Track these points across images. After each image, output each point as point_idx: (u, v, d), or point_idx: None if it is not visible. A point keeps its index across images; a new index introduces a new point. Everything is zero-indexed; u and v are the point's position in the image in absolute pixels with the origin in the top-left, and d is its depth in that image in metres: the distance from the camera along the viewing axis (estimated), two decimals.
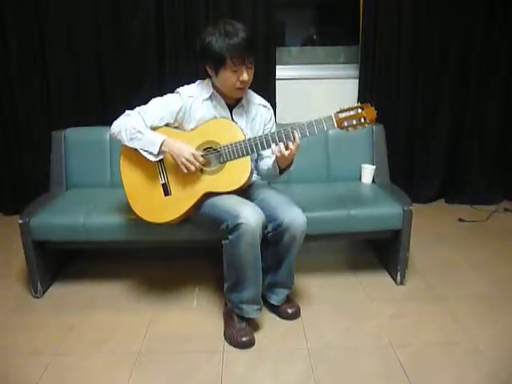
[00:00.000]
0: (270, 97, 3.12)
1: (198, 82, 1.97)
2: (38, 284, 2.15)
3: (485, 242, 2.73)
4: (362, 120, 1.75)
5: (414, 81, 3.17)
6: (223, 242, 1.76)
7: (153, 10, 2.94)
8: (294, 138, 1.74)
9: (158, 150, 1.79)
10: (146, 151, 1.81)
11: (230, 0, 2.97)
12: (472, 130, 3.28)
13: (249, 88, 1.96)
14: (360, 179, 2.53)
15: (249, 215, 1.68)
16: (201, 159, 1.80)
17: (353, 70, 3.28)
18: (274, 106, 2.94)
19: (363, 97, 3.11)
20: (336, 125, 1.75)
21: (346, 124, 1.75)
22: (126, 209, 2.06)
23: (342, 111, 1.76)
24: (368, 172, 2.50)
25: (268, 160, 1.97)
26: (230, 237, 1.71)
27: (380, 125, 2.57)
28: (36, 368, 1.69)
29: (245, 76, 1.81)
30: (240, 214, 1.67)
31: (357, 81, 3.18)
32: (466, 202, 3.33)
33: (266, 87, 3.06)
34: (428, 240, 2.73)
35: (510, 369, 1.67)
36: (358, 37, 3.15)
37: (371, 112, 1.75)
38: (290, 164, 1.87)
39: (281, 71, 3.19)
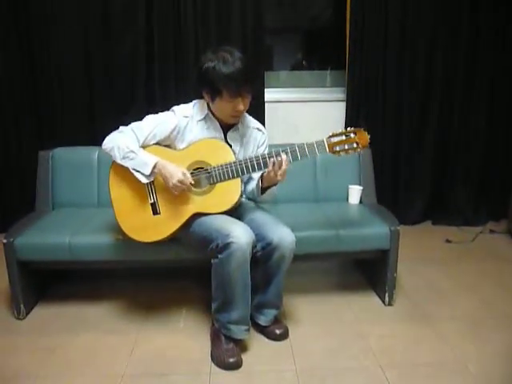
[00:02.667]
0: (258, 119, 3.14)
1: (195, 101, 1.96)
2: (21, 305, 2.10)
3: (471, 262, 2.75)
4: (355, 145, 1.74)
5: (399, 104, 3.23)
6: (212, 261, 1.75)
7: (143, 33, 2.98)
8: (281, 163, 1.73)
9: (150, 171, 1.78)
10: (137, 171, 1.80)
11: (219, 24, 3.02)
12: (457, 152, 3.33)
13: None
14: (347, 200, 2.55)
15: (239, 234, 1.67)
16: (188, 182, 1.77)
17: (340, 94, 3.34)
18: None
19: (356, 123, 3.15)
20: (328, 149, 1.75)
21: (337, 149, 1.75)
22: (113, 229, 2.05)
23: (334, 135, 1.75)
24: (355, 193, 2.52)
25: (254, 181, 1.98)
26: (220, 256, 1.70)
27: None
28: None
29: (240, 107, 1.82)
30: (231, 234, 1.67)
31: (344, 103, 3.24)
32: (453, 224, 3.37)
33: (254, 110, 3.08)
34: (415, 261, 2.74)
35: None
36: (345, 61, 3.22)
37: (364, 137, 1.75)
38: (274, 185, 1.88)
39: (269, 94, 3.24)
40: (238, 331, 1.81)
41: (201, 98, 1.94)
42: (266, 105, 3.18)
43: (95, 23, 2.96)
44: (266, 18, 3.10)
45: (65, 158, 2.53)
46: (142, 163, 1.79)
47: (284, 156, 1.74)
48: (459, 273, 2.61)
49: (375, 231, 2.17)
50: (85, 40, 2.99)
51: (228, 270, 1.69)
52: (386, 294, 2.22)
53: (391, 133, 3.27)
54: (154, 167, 1.78)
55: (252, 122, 2.04)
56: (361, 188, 2.52)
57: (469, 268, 2.67)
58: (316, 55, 3.78)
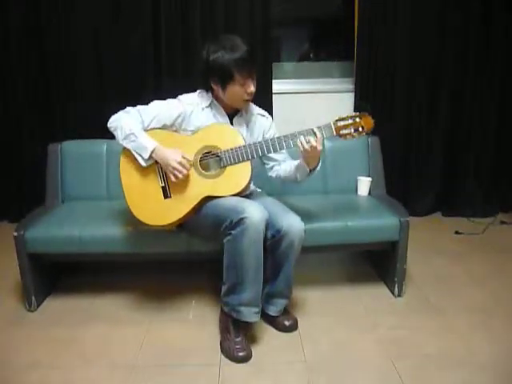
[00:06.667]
0: (266, 110, 3.12)
1: (199, 91, 2.00)
2: (33, 297, 2.12)
3: (481, 254, 2.73)
4: (360, 129, 1.78)
5: (409, 94, 3.20)
6: (225, 239, 1.75)
7: (150, 26, 2.99)
8: (316, 135, 1.76)
9: (148, 155, 1.82)
10: (137, 154, 1.84)
11: (227, 16, 3.01)
12: (468, 142, 3.30)
13: None
14: (356, 191, 2.53)
15: (253, 211, 1.69)
16: (188, 167, 1.81)
17: (348, 84, 3.31)
18: None
19: (360, 106, 3.12)
20: (335, 132, 1.78)
21: (344, 132, 1.79)
22: (123, 221, 2.06)
23: (340, 119, 1.79)
24: (364, 184, 2.51)
25: (285, 165, 2.02)
26: (233, 232, 1.70)
27: (376, 137, 2.59)
28: (30, 383, 1.66)
29: (252, 88, 1.87)
30: (244, 210, 1.68)
31: (353, 94, 3.21)
32: (463, 215, 3.33)
33: (262, 101, 3.08)
34: (425, 252, 2.73)
35: (510, 381, 1.66)
36: (353, 52, 3.19)
37: (369, 121, 1.79)
38: (318, 163, 1.90)
39: (277, 85, 3.22)
40: (248, 313, 1.79)
41: (205, 89, 1.98)
42: (273, 96, 3.17)
43: (105, 19, 2.98)
44: (273, 9, 3.07)
45: (74, 150, 2.53)
46: (142, 147, 1.83)
47: (315, 130, 1.78)
48: (469, 264, 2.59)
49: (385, 222, 2.16)
50: (94, 36, 3.01)
51: (241, 246, 1.69)
52: (396, 286, 2.22)
53: (401, 123, 3.24)
54: (153, 152, 1.82)
55: (255, 108, 2.09)
56: (370, 179, 2.51)
57: (479, 260, 2.65)
58: (324, 46, 3.75)
